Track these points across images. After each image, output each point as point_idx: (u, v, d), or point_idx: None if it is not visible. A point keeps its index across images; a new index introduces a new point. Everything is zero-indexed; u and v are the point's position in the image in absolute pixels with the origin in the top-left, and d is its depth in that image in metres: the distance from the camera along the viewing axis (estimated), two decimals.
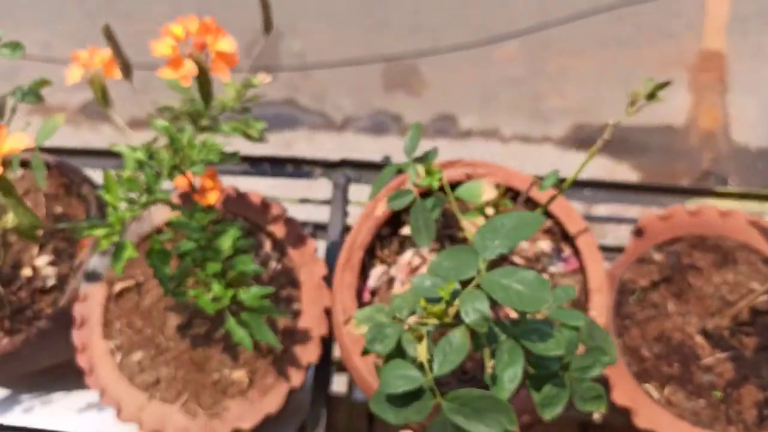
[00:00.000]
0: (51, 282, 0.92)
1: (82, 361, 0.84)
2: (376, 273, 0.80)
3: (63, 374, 1.00)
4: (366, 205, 0.79)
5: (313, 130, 4.10)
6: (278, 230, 0.90)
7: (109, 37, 0.78)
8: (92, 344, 0.85)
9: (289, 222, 0.90)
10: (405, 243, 0.83)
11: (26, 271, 0.92)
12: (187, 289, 0.75)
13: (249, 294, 0.74)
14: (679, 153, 2.99)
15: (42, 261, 0.92)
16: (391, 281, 0.81)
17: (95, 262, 0.91)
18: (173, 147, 0.71)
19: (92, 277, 0.90)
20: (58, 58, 4.53)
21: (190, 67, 0.62)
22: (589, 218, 1.28)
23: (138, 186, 0.70)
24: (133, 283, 0.89)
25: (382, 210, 0.78)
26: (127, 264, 0.89)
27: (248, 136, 0.83)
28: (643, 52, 3.31)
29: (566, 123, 3.81)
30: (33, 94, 0.84)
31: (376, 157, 1.15)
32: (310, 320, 0.84)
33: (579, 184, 1.02)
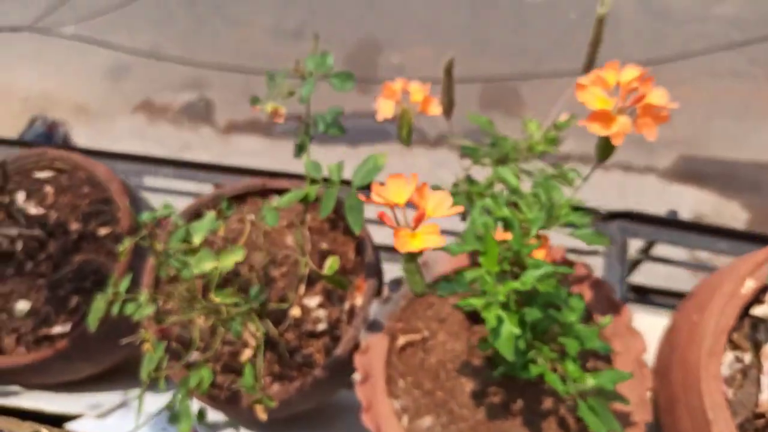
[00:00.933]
0: (322, 326, 0.84)
1: (368, 420, 0.76)
2: (728, 359, 0.70)
3: (313, 418, 0.93)
4: (724, 279, 0.69)
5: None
6: (586, 294, 0.80)
7: (448, 72, 0.70)
8: (377, 402, 0.77)
9: (598, 284, 0.80)
10: (759, 326, 0.72)
11: (295, 311, 0.85)
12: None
13: (601, 378, 0.65)
14: None
15: (313, 302, 0.85)
16: (745, 371, 0.70)
17: (375, 310, 0.83)
18: (543, 204, 0.63)
19: (374, 326, 0.82)
20: (166, 58, 4.59)
21: (623, 124, 0.53)
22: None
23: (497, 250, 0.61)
24: (418, 338, 0.81)
25: (751, 287, 0.68)
26: (407, 315, 0.82)
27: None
28: (761, 85, 3.11)
29: (672, 154, 3.62)
30: (335, 125, 0.77)
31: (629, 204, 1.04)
32: (632, 403, 0.74)
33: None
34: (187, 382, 0.74)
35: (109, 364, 0.95)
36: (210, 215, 0.71)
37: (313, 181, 0.76)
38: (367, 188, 0.74)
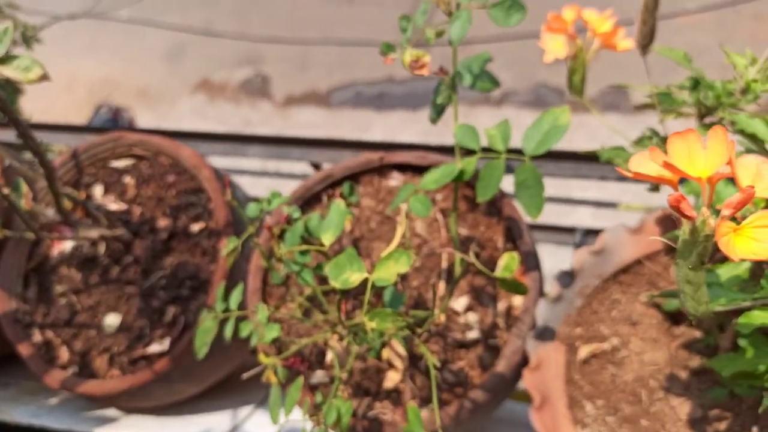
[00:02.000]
0: (473, 334, 0.67)
1: None
2: None
3: None
4: None
5: (470, 105, 3.80)
6: None
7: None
8: None
9: None
10: None
11: (439, 317, 0.68)
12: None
13: None
14: None
15: (460, 304, 0.68)
16: None
17: (543, 312, 0.65)
18: None
19: (545, 334, 0.63)
20: (219, 35, 4.48)
21: None
22: None
23: None
24: (606, 347, 0.62)
25: None
26: (587, 317, 0.63)
27: None
28: None
29: (760, 98, 3.23)
30: (486, 77, 0.58)
31: None
32: None
33: None
34: (322, 417, 0.58)
35: (213, 382, 0.81)
36: (339, 206, 0.54)
37: (468, 152, 0.57)
38: (541, 157, 0.55)
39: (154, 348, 0.73)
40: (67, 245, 0.82)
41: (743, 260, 0.29)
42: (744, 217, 0.31)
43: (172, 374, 0.74)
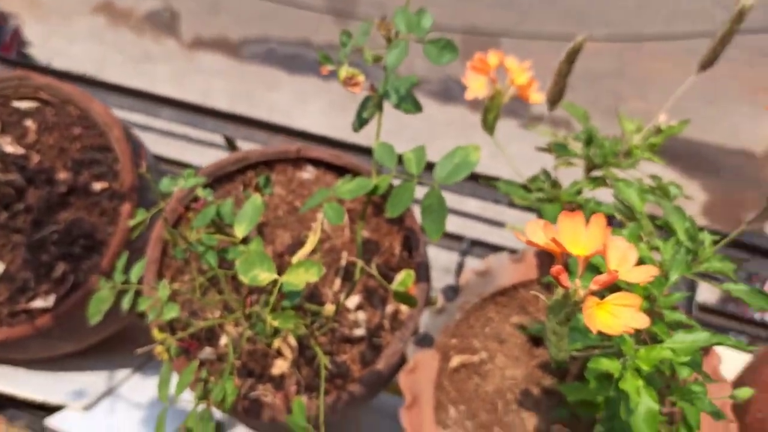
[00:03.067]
0: (359, 332, 0.72)
1: None
2: None
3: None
4: None
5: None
6: None
7: (571, 58, 0.57)
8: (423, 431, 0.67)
9: None
10: None
11: (328, 309, 0.72)
12: None
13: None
14: (752, 182, 2.84)
15: (352, 302, 0.73)
16: None
17: (426, 320, 0.71)
18: (681, 242, 0.51)
19: (424, 341, 0.70)
20: None
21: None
22: None
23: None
24: (475, 359, 0.70)
25: None
26: (463, 331, 0.70)
27: None
28: (739, 70, 3.09)
29: (638, 162, 3.61)
30: (410, 100, 0.63)
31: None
32: None
33: None
34: (206, 392, 0.61)
35: (93, 342, 0.81)
36: (255, 201, 0.56)
37: (383, 168, 0.62)
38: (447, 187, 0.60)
39: (38, 303, 0.72)
40: None
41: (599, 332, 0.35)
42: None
43: (53, 331, 0.72)
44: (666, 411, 0.57)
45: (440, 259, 1.07)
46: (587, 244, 0.37)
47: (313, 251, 0.56)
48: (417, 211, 0.65)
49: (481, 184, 0.83)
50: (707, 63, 0.65)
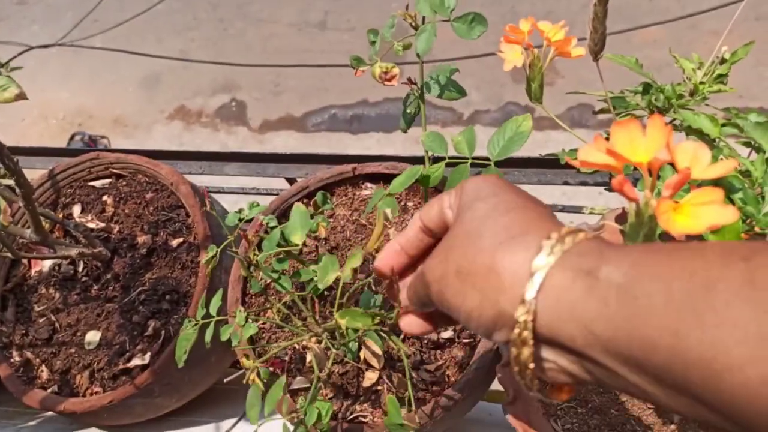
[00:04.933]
0: (448, 334, 0.69)
1: None
2: None
3: None
4: None
5: (442, 125, 3.87)
6: None
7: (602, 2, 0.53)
8: (535, 426, 0.62)
9: None
10: None
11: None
12: None
13: None
14: None
15: None
16: None
17: None
18: None
19: None
20: (194, 62, 4.50)
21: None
22: None
23: None
24: None
25: None
26: None
27: None
28: None
29: (720, 103, 3.37)
30: (453, 86, 0.61)
31: None
32: None
33: None
34: (301, 419, 0.60)
35: (194, 396, 0.82)
36: (299, 208, 0.56)
37: (436, 159, 0.60)
38: (508, 165, 0.58)
39: (135, 362, 0.74)
40: (46, 265, 0.83)
41: (684, 236, 0.31)
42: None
43: (153, 388, 0.74)
44: None
45: None
46: (648, 148, 0.34)
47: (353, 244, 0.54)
48: None
49: (545, 164, 0.80)
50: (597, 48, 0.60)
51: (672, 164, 0.36)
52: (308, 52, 4.49)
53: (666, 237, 0.42)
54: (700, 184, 0.40)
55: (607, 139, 0.56)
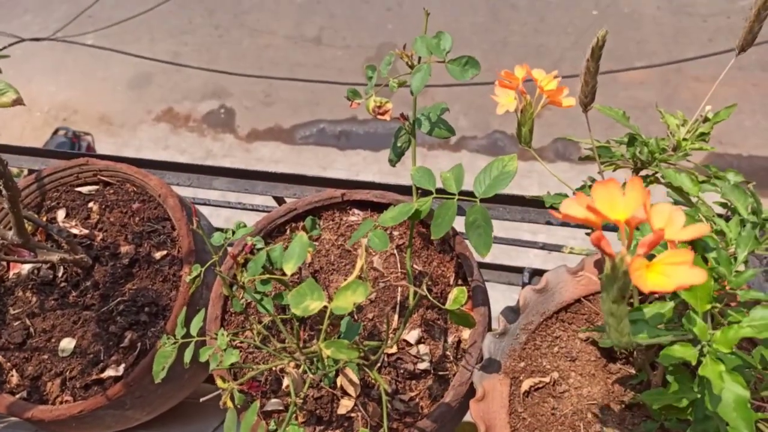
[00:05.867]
0: (423, 365, 0.70)
1: None
2: None
3: None
4: None
5: (429, 148, 3.90)
6: None
7: (595, 54, 0.56)
8: None
9: None
10: None
11: (391, 348, 0.71)
12: None
13: None
14: None
15: (412, 337, 0.71)
16: None
17: (489, 345, 0.69)
18: (745, 219, 0.48)
19: (490, 367, 0.67)
20: (186, 66, 4.50)
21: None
22: None
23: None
24: (547, 381, 0.66)
25: None
26: (530, 352, 0.67)
27: None
28: None
29: (700, 153, 3.47)
30: (443, 125, 0.63)
31: None
32: None
33: None
34: None
35: (165, 409, 0.81)
36: (301, 239, 0.57)
37: (424, 193, 0.61)
38: (493, 201, 0.59)
39: (109, 373, 0.74)
40: (25, 268, 0.82)
41: (653, 293, 0.33)
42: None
43: (125, 400, 0.74)
44: (762, 406, 0.52)
45: (500, 293, 1.04)
46: (626, 207, 0.36)
47: (360, 277, 0.55)
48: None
49: (529, 203, 0.82)
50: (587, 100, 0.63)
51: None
52: (302, 65, 4.52)
53: (639, 291, 0.44)
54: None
55: (590, 189, 0.58)
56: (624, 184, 0.35)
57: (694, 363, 0.42)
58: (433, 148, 3.70)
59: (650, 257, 0.34)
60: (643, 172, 0.70)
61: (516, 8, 4.15)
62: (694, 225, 0.35)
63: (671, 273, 0.33)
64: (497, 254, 0.78)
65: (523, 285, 1.03)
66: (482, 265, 1.06)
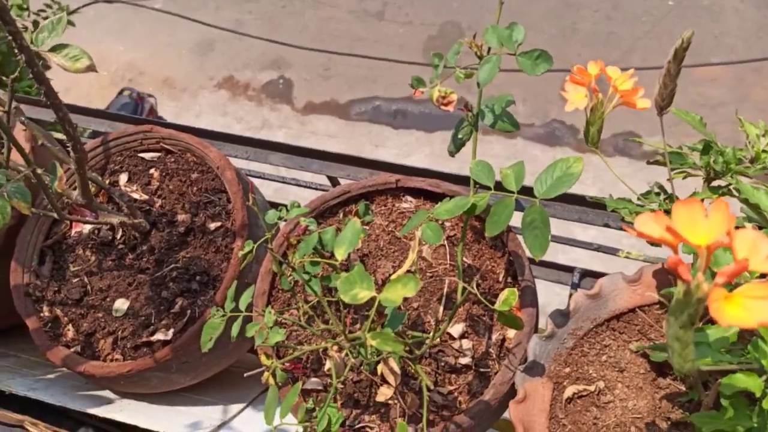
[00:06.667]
0: (465, 360, 0.69)
1: None
2: None
3: None
4: None
5: (483, 133, 3.84)
6: None
7: (678, 56, 0.53)
8: None
9: None
10: None
11: (435, 340, 0.70)
12: None
13: None
14: None
15: (456, 330, 0.70)
16: None
17: (534, 347, 0.67)
18: None
19: (534, 370, 0.66)
20: (248, 35, 4.54)
21: None
22: None
23: None
24: (591, 389, 0.65)
25: None
26: (576, 358, 0.65)
27: None
28: None
29: None
30: (507, 118, 0.61)
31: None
32: None
33: None
34: (310, 420, 0.61)
35: (209, 376, 0.84)
36: (354, 225, 0.57)
37: (482, 187, 0.60)
38: (550, 199, 0.58)
39: (158, 336, 0.76)
40: (86, 228, 0.85)
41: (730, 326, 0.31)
42: (737, 285, 0.34)
43: (171, 364, 0.76)
44: None
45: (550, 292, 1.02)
46: (708, 232, 0.34)
47: (412, 273, 0.55)
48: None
49: (588, 203, 0.79)
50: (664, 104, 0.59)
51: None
52: (362, 40, 4.50)
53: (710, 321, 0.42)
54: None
55: (657, 196, 0.56)
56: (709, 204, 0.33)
57: (758, 395, 0.40)
58: (487, 133, 3.64)
59: (730, 287, 0.32)
60: (716, 182, 0.66)
61: None
62: None
63: (752, 308, 0.31)
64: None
65: (573, 285, 1.01)
66: (530, 261, 1.04)
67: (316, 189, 1.11)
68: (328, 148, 0.97)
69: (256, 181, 1.00)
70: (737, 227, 0.50)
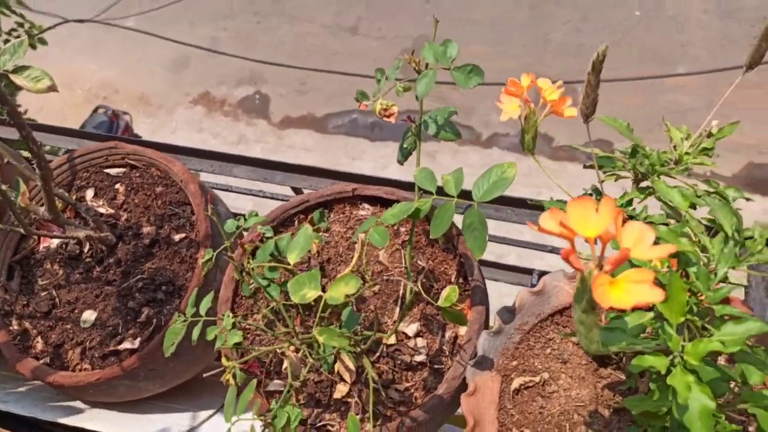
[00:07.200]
0: (420, 358, 0.73)
1: None
2: None
3: None
4: None
5: (459, 144, 3.89)
6: None
7: (596, 68, 0.57)
8: None
9: None
10: None
11: (389, 338, 0.74)
12: None
13: None
14: None
15: (411, 330, 0.74)
16: None
17: (484, 343, 0.71)
18: (729, 236, 0.49)
19: (483, 364, 0.70)
20: (223, 52, 4.56)
21: None
22: None
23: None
24: (537, 380, 0.69)
25: None
26: (523, 352, 0.69)
27: None
28: None
29: (739, 160, 3.38)
30: (449, 127, 0.65)
31: None
32: None
33: None
34: (272, 420, 0.64)
35: (177, 383, 0.86)
36: (306, 231, 0.60)
37: (425, 193, 0.64)
38: (498, 201, 0.62)
39: (125, 345, 0.79)
40: (54, 242, 0.88)
41: (612, 308, 0.35)
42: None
43: (138, 372, 0.79)
44: (739, 419, 0.54)
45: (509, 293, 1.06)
46: (597, 225, 0.38)
47: (358, 270, 0.59)
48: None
49: (534, 207, 0.83)
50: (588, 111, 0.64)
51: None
52: (337, 54, 4.56)
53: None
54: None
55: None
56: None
57: (663, 372, 0.44)
58: (464, 144, 3.71)
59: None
60: (644, 183, 0.71)
61: (559, 4, 4.10)
62: (662, 245, 0.37)
63: (632, 290, 0.35)
64: (510, 255, 0.80)
65: (532, 286, 1.05)
66: (493, 265, 1.08)
67: (284, 200, 1.15)
68: (306, 162, 1.00)
69: (226, 195, 1.04)
70: (650, 222, 0.55)
